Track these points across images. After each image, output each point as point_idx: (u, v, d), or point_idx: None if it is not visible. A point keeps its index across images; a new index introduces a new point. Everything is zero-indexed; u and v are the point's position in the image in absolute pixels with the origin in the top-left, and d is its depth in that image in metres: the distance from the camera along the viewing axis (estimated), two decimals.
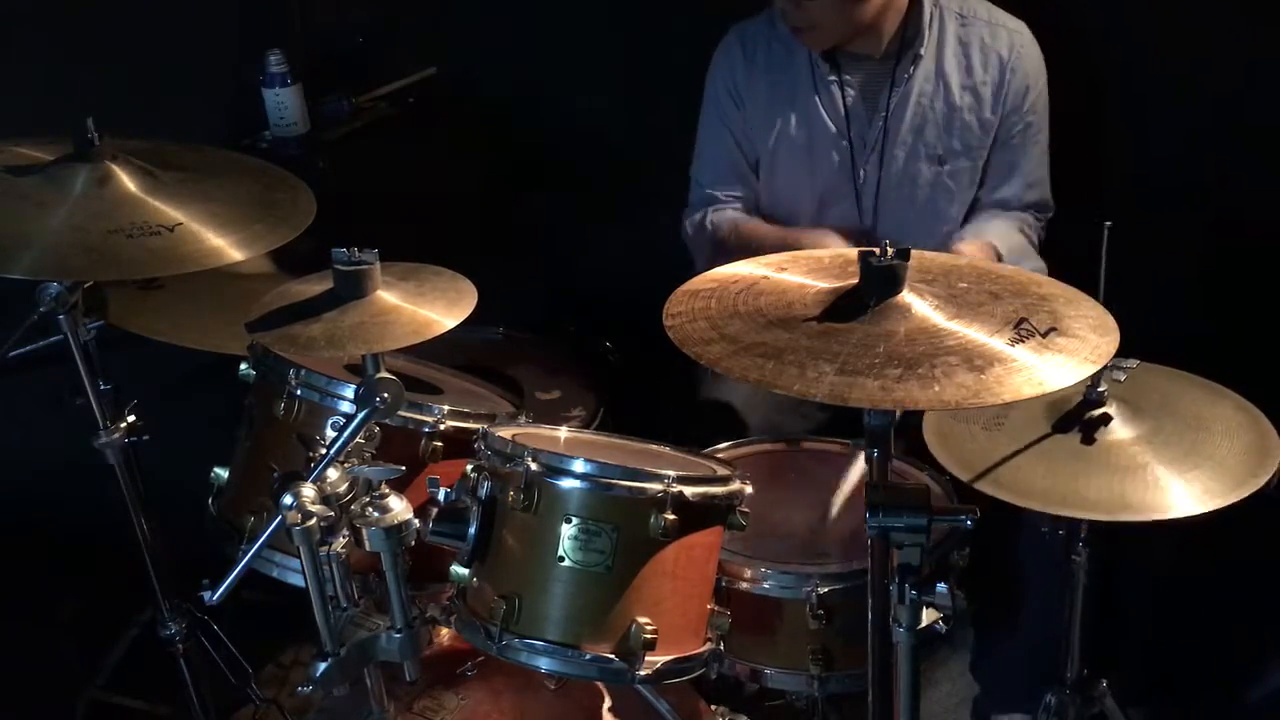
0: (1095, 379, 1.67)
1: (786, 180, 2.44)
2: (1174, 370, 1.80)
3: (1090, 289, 1.54)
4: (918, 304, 1.43)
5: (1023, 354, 1.36)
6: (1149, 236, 2.12)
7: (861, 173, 2.38)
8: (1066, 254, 2.31)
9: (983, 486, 1.64)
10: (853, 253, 1.51)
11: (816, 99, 2.38)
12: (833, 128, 2.38)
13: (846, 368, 1.34)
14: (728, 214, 2.48)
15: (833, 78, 2.36)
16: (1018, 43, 2.35)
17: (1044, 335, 1.39)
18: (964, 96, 2.34)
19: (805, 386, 1.33)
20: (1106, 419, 1.67)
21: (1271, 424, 1.69)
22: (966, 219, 2.43)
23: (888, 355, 1.36)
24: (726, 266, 1.63)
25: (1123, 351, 1.42)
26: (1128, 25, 2.47)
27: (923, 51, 2.33)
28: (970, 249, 2.27)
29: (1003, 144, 2.38)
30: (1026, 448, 1.67)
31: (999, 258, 2.30)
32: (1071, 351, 1.38)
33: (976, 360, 1.35)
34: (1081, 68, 2.49)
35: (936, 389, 1.31)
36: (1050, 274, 1.60)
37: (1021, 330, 1.40)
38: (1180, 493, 1.58)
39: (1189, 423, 1.69)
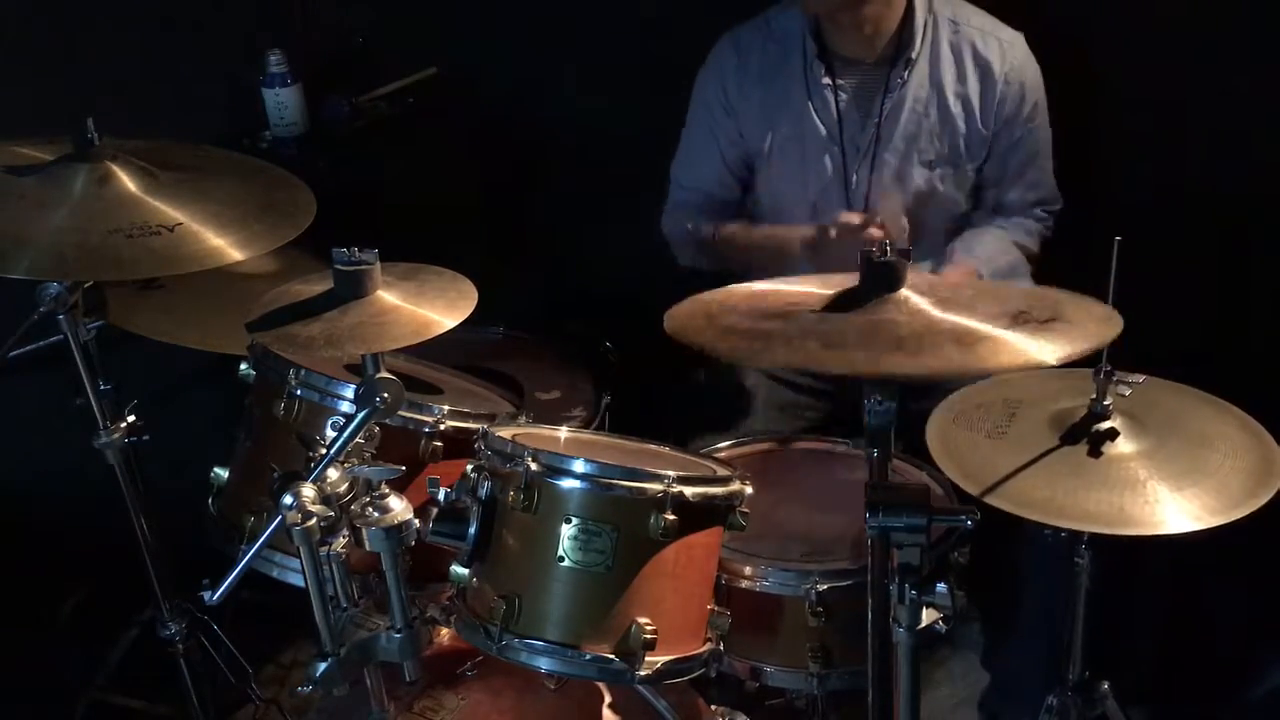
0: (1101, 392, 1.66)
1: (780, 183, 2.44)
2: (1181, 386, 1.79)
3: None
4: (915, 298, 1.43)
5: (1016, 336, 1.36)
6: (1159, 251, 2.10)
7: (854, 177, 2.38)
8: (1072, 266, 2.30)
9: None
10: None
11: (809, 103, 2.37)
12: (824, 131, 2.37)
13: (833, 342, 1.35)
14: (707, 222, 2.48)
15: (826, 81, 2.35)
16: (1010, 53, 2.33)
17: (1044, 322, 1.39)
18: (957, 104, 2.34)
19: (790, 355, 1.34)
20: (1113, 434, 1.66)
21: (1277, 444, 1.67)
22: (965, 220, 2.43)
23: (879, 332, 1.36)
24: (732, 286, 1.62)
25: (1130, 367, 1.40)
26: (1130, 32, 2.46)
27: (914, 56, 2.32)
28: (954, 277, 2.26)
29: (1003, 153, 2.37)
30: (1032, 462, 1.66)
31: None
32: (1069, 335, 1.37)
33: (967, 339, 1.35)
34: (1088, 78, 2.49)
35: (923, 359, 1.32)
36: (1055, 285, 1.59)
37: (1020, 319, 1.40)
38: (1175, 511, 1.57)
39: (1193, 440, 1.68)
